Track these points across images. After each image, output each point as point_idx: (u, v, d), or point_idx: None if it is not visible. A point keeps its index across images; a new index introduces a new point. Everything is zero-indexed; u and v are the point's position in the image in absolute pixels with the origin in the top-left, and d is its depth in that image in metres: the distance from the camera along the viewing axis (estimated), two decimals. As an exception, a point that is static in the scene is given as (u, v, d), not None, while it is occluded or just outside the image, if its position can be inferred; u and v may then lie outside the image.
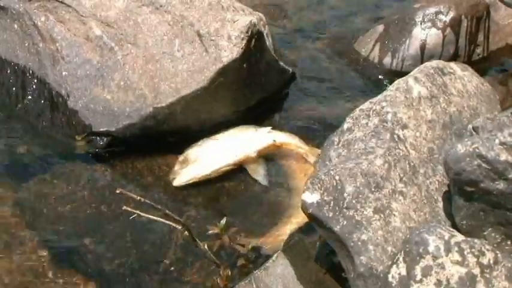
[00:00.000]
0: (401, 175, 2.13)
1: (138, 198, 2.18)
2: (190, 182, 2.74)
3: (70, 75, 2.95)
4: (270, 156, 2.87)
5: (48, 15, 3.05)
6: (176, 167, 2.79)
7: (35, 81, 3.06)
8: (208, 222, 2.50)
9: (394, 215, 2.04)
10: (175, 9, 2.94)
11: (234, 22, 2.85)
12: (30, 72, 3.07)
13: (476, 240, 1.82)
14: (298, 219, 2.51)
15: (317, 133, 2.99)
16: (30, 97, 3.06)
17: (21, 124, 3.02)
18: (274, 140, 2.88)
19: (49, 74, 3.01)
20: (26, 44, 3.10)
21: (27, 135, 2.98)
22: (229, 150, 2.83)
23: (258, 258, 2.39)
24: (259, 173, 2.78)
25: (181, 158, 2.83)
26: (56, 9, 3.06)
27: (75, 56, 2.97)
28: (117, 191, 2.15)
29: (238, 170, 2.81)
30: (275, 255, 2.30)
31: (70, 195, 2.68)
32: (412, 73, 2.44)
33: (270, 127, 2.96)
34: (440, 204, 2.17)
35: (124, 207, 2.19)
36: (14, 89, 3.10)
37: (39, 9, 3.08)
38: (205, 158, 2.81)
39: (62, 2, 3.05)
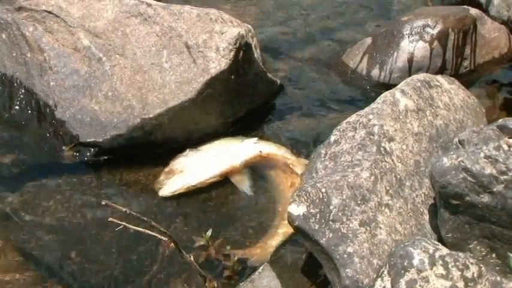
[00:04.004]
0: (388, 188, 2.14)
1: (124, 209, 2.17)
2: (177, 192, 2.73)
3: (58, 86, 2.95)
4: (256, 167, 2.87)
5: (37, 25, 3.05)
6: (162, 177, 2.79)
7: (23, 91, 3.05)
8: (194, 233, 2.49)
9: (380, 227, 2.04)
10: (163, 21, 2.94)
11: (222, 34, 2.86)
12: (18, 82, 3.06)
13: (460, 254, 1.82)
14: (285, 230, 2.51)
15: (304, 145, 2.99)
16: (17, 107, 3.05)
17: (8, 134, 3.00)
18: (260, 151, 2.88)
19: (37, 84, 3.00)
20: (14, 54, 3.10)
21: (13, 145, 2.95)
22: (216, 161, 2.83)
23: (244, 270, 2.38)
24: (244, 184, 2.78)
25: (167, 168, 2.82)
26: (44, 19, 3.05)
27: (63, 66, 2.97)
28: (103, 203, 2.14)
29: (225, 181, 2.80)
30: (261, 267, 2.30)
31: (56, 206, 2.67)
32: (399, 86, 2.46)
33: (256, 138, 2.96)
34: (427, 217, 2.17)
35: (110, 219, 2.18)
36: (1, 98, 3.09)
37: (28, 19, 3.08)
38: (191, 169, 2.80)
39: (50, 12, 3.05)
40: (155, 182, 2.77)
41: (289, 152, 2.89)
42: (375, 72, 3.41)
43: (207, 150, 2.88)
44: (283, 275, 2.26)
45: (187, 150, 2.87)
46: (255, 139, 2.94)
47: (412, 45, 3.34)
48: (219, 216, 2.65)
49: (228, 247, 2.43)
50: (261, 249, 2.47)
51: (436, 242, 1.88)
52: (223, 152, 2.86)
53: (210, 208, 2.69)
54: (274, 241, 2.49)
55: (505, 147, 1.94)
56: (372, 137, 2.24)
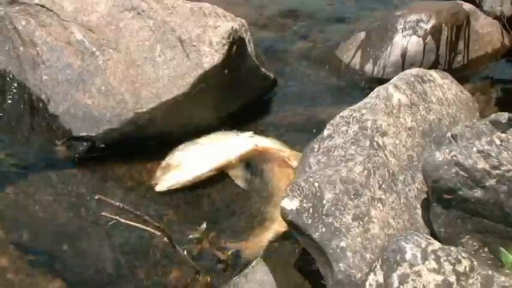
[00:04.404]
0: (381, 182, 2.14)
1: (117, 204, 2.17)
2: (173, 187, 2.73)
3: (51, 80, 2.94)
4: (251, 161, 2.87)
5: (30, 19, 3.04)
6: (158, 173, 2.78)
7: (15, 85, 3.04)
8: (189, 227, 2.49)
9: (373, 222, 2.05)
10: (157, 15, 2.93)
11: (216, 28, 2.85)
12: (10, 76, 3.05)
13: (452, 248, 1.83)
14: (279, 225, 2.51)
15: (298, 139, 2.98)
16: (10, 101, 3.04)
17: (0, 129, 3.00)
18: (256, 145, 2.88)
19: (29, 78, 2.99)
20: (7, 48, 3.08)
21: (6, 140, 2.95)
22: (211, 155, 2.83)
23: (238, 264, 2.39)
24: (240, 178, 2.78)
25: (163, 163, 2.82)
26: (37, 13, 3.04)
27: (56, 60, 2.95)
28: (96, 197, 2.14)
29: (220, 175, 2.80)
30: (255, 261, 2.29)
31: (49, 201, 2.66)
32: (392, 81, 2.46)
33: (252, 132, 2.96)
34: (419, 212, 2.18)
35: (103, 213, 2.18)
36: (-7, 93, 3.09)
37: (20, 13, 3.06)
38: (187, 164, 2.80)
39: (43, 6, 3.03)
40: (149, 177, 2.77)
41: (284, 146, 2.89)
42: (369, 66, 3.41)
43: (202, 145, 2.87)
44: (276, 270, 2.26)
45: (183, 144, 2.87)
46: (250, 133, 2.94)
47: (406, 40, 3.35)
48: (214, 210, 2.65)
49: (222, 241, 2.44)
50: (255, 243, 2.47)
51: (429, 237, 1.89)
52: (219, 146, 2.86)
53: (205, 202, 2.69)
54: (268, 235, 2.49)
55: (498, 141, 1.94)
56: (365, 131, 2.25)
